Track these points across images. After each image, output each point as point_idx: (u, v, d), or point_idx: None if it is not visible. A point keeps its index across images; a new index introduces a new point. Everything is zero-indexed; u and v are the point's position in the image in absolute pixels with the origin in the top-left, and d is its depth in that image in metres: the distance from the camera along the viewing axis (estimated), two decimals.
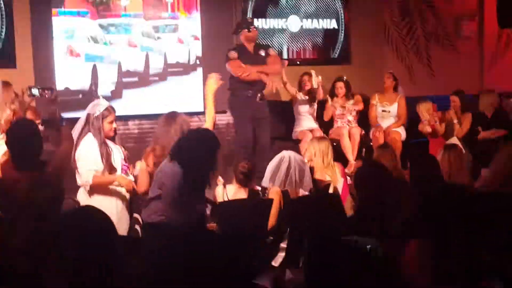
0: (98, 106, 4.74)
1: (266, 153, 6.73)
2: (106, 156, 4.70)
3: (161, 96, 8.04)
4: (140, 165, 4.94)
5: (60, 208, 3.65)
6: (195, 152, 4.12)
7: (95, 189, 4.73)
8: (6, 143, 4.19)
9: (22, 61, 7.29)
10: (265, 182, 5.24)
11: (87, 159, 4.66)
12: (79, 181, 4.72)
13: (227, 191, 5.25)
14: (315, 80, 7.74)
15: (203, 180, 4.23)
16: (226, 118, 8.32)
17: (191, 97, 8.11)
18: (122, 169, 4.82)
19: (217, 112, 7.99)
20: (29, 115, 5.87)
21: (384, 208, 3.76)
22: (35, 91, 4.71)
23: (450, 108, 7.79)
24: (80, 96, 7.56)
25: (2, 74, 6.79)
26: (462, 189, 3.97)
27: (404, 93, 8.24)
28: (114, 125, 4.83)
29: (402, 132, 7.91)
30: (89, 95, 7.43)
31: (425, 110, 7.65)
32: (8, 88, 6.57)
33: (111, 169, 4.73)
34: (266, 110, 7.12)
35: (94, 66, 7.64)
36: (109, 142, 4.79)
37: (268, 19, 8.64)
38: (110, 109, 4.79)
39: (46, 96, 4.71)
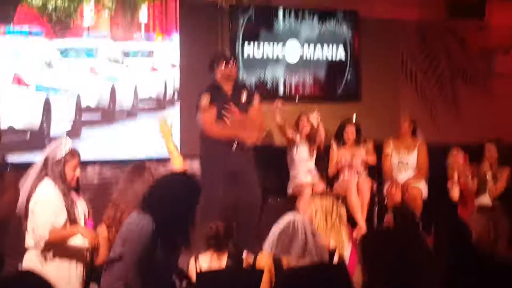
0: (60, 148, 4.75)
1: (252, 212, 6.62)
2: (69, 208, 4.69)
3: (129, 137, 7.92)
4: (101, 232, 4.91)
5: None
6: (171, 202, 4.01)
7: (49, 249, 4.68)
8: None
9: None
10: (268, 248, 5.10)
11: (45, 209, 4.62)
12: (30, 240, 4.68)
13: (199, 261, 5.15)
14: (315, 118, 7.68)
15: (180, 239, 4.10)
16: None
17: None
18: (85, 226, 4.83)
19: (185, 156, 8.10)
20: None
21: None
22: None
23: (484, 160, 7.73)
24: (28, 136, 7.36)
25: None
26: (497, 261, 3.92)
27: (425, 139, 8.18)
28: (78, 172, 4.83)
29: (423, 188, 7.86)
30: (40, 135, 7.30)
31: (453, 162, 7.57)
32: None
33: (72, 223, 4.73)
34: (249, 160, 6.94)
35: (47, 99, 7.47)
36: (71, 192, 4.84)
37: (261, 45, 8.61)
38: (74, 153, 4.81)
39: None
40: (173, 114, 7.76)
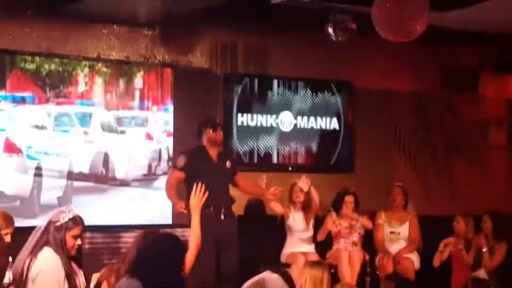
0: (63, 214, 4.67)
1: (232, 280, 6.59)
2: (71, 278, 4.60)
3: (121, 204, 7.85)
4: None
5: None
6: (158, 264, 3.94)
7: None
8: None
9: None
10: None
11: (49, 279, 4.50)
12: None
13: None
14: (304, 182, 7.64)
15: None
16: None
17: (159, 206, 7.90)
18: None
19: (177, 226, 8.02)
20: None
21: None
22: None
23: (480, 232, 7.65)
24: (18, 202, 7.27)
25: None
26: None
27: (417, 211, 8.17)
28: (79, 241, 4.74)
29: (415, 259, 7.79)
30: (30, 201, 7.23)
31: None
32: None
33: None
34: (233, 230, 6.98)
35: (38, 165, 7.41)
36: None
37: (254, 115, 8.64)
38: (77, 220, 4.71)
39: None
40: None
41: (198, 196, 4.99)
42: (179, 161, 6.89)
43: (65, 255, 4.59)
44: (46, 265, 4.53)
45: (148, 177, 8.04)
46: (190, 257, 4.68)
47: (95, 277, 4.79)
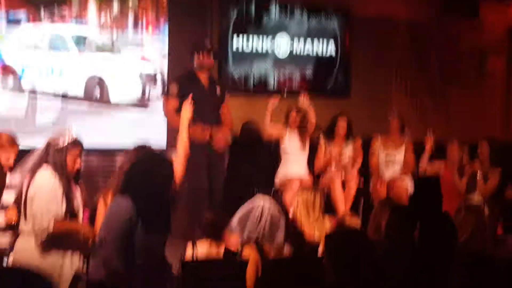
0: (64, 136, 4.69)
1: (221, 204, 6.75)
2: (69, 198, 4.64)
3: (116, 127, 7.83)
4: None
5: None
6: (149, 182, 3.98)
7: (49, 241, 4.61)
8: None
9: None
10: (231, 229, 5.11)
11: (47, 198, 4.55)
12: (26, 226, 4.61)
13: (197, 249, 5.10)
14: (304, 101, 7.62)
15: (160, 221, 4.04)
16: None
17: (154, 129, 7.85)
18: (83, 215, 4.87)
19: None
20: None
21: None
22: None
23: (476, 158, 7.72)
24: (13, 124, 7.06)
25: None
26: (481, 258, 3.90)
27: (413, 136, 8.16)
28: (79, 162, 4.80)
29: (409, 185, 7.84)
30: (25, 123, 7.20)
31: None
32: None
33: (72, 214, 4.68)
34: (221, 156, 7.09)
35: (33, 86, 7.34)
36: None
37: (250, 39, 8.55)
38: (77, 142, 4.76)
39: None
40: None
41: (188, 105, 5.22)
42: (172, 88, 6.92)
43: (65, 176, 4.63)
44: (44, 184, 4.57)
45: (143, 100, 7.96)
46: (178, 163, 4.71)
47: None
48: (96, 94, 7.68)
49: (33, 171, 4.60)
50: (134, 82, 7.89)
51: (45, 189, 4.56)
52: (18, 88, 7.27)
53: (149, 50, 8.02)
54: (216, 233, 5.08)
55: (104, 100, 7.71)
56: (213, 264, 4.85)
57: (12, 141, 5.39)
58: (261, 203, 5.19)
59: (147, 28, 8.01)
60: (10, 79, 7.20)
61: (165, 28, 8.06)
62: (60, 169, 4.60)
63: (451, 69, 9.50)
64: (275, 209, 5.25)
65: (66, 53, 7.55)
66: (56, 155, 4.63)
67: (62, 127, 4.88)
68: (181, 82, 6.95)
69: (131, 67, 7.90)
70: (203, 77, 7.01)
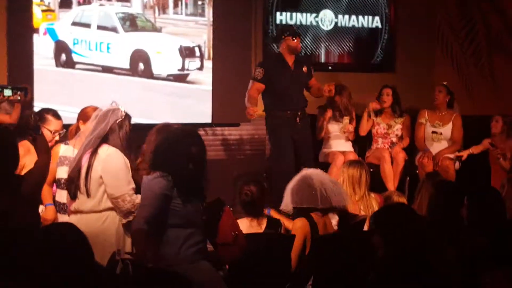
0: (119, 111, 4.66)
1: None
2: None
3: (160, 101, 7.96)
4: None
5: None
6: (177, 155, 4.07)
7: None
8: None
9: None
10: (285, 205, 5.14)
11: (124, 176, 4.54)
12: (89, 204, 4.58)
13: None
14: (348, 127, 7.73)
15: (194, 193, 4.14)
16: (237, 133, 8.26)
17: (195, 99, 8.05)
18: None
19: (228, 124, 8.18)
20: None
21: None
22: (7, 92, 4.56)
23: None
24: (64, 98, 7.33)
25: None
26: None
27: (461, 111, 8.12)
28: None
29: (456, 160, 7.81)
30: (73, 96, 7.29)
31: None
32: None
33: None
34: (308, 131, 7.31)
35: (83, 61, 7.56)
36: None
37: (294, 14, 8.58)
38: (129, 116, 4.74)
39: (19, 98, 4.59)
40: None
41: None
42: (257, 73, 7.09)
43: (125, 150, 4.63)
44: (117, 161, 4.54)
45: (182, 72, 8.08)
46: None
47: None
48: (140, 67, 7.87)
49: (95, 148, 4.57)
50: (174, 55, 8.04)
51: (120, 166, 4.53)
52: (70, 63, 7.52)
53: (189, 26, 8.13)
54: (253, 211, 5.12)
55: (147, 72, 7.89)
56: (259, 237, 4.92)
57: (57, 117, 5.46)
58: (309, 172, 5.23)
59: (186, 7, 8.13)
60: (63, 54, 7.48)
61: (205, 6, 8.14)
62: (120, 146, 4.58)
63: (498, 41, 9.35)
64: (326, 177, 5.29)
65: (113, 31, 7.77)
66: (120, 132, 4.60)
67: (112, 102, 4.76)
68: (267, 65, 7.16)
69: (172, 42, 8.05)
70: (290, 60, 7.19)
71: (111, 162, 4.53)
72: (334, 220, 5.28)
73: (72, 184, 4.62)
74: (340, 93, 7.68)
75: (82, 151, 4.62)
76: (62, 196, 5.31)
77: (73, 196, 4.65)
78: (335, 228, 5.27)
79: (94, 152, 4.55)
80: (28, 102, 4.65)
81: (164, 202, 4.04)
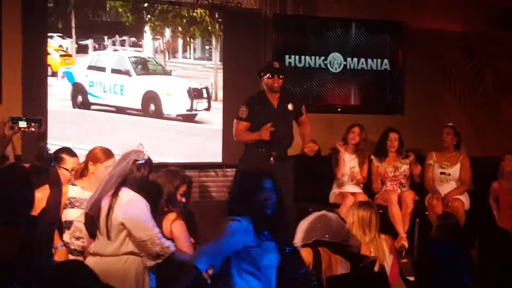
0: (140, 153, 4.66)
1: (287, 217, 6.69)
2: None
3: (170, 139, 8.17)
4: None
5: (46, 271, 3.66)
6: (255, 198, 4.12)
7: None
8: None
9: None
10: (298, 240, 5.16)
11: (140, 201, 4.54)
12: (111, 247, 4.57)
13: None
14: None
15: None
16: None
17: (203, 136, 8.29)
18: None
19: (227, 166, 8.27)
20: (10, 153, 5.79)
21: None
22: (22, 124, 4.54)
23: None
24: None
25: None
26: None
27: (468, 152, 8.17)
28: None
29: (465, 200, 7.86)
30: (91, 136, 7.53)
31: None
32: None
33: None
34: (286, 169, 6.98)
35: (98, 102, 7.87)
36: None
37: (302, 57, 8.73)
38: (150, 159, 4.73)
39: (33, 129, 4.57)
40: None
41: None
42: (242, 112, 6.91)
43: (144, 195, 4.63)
44: (138, 205, 4.54)
45: (191, 112, 8.37)
46: None
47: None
48: (151, 108, 8.16)
49: (116, 190, 4.57)
50: (183, 97, 8.33)
51: (143, 210, 4.53)
52: (86, 104, 7.89)
53: (197, 69, 8.43)
54: None
55: (158, 113, 8.19)
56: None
57: (107, 151, 5.40)
58: (322, 212, 5.25)
59: (195, 51, 8.45)
60: (79, 96, 7.85)
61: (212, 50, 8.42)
62: (141, 191, 4.58)
63: (505, 82, 9.42)
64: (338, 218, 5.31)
65: (126, 74, 8.13)
66: (138, 173, 4.60)
67: (139, 144, 4.74)
68: (250, 104, 6.95)
69: (181, 84, 8.37)
70: (273, 97, 6.98)
71: (134, 207, 4.52)
72: (345, 265, 5.25)
73: (92, 224, 4.62)
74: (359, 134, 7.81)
75: (101, 190, 4.60)
76: (68, 237, 5.27)
77: (91, 236, 4.65)
78: (340, 271, 5.26)
79: (115, 195, 4.54)
80: (42, 134, 4.62)
81: (233, 248, 4.03)
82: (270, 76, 6.88)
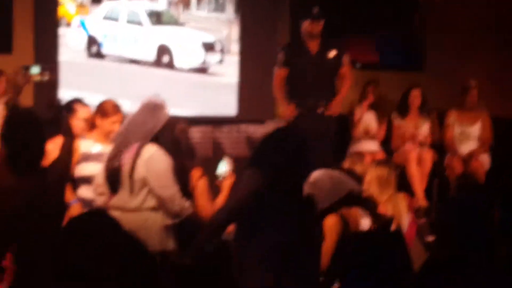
0: (166, 113, 4.57)
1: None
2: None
3: (178, 92, 8.16)
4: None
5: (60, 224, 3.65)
6: (278, 153, 4.01)
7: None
8: (2, 138, 4.22)
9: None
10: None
11: (164, 156, 4.48)
12: (134, 203, 4.51)
13: None
14: None
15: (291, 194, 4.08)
16: (262, 131, 8.31)
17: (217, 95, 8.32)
18: None
19: (252, 121, 8.27)
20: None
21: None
22: (35, 70, 4.52)
23: None
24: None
25: None
26: None
27: (489, 110, 8.08)
28: None
29: (485, 160, 7.80)
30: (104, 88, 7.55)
31: None
32: None
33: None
34: (330, 127, 6.99)
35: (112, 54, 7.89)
36: None
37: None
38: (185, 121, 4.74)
39: (46, 77, 4.56)
40: None
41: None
42: (279, 58, 6.89)
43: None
44: (156, 151, 4.46)
45: (203, 65, 8.45)
46: None
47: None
48: (164, 60, 8.23)
49: (140, 146, 4.46)
50: (197, 49, 8.40)
51: (165, 167, 4.45)
52: (100, 54, 8.00)
53: (211, 22, 8.48)
54: None
55: (171, 65, 8.27)
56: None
57: (115, 105, 5.38)
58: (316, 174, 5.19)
59: (208, 3, 8.48)
60: (94, 46, 7.94)
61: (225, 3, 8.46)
62: (169, 151, 4.50)
63: None
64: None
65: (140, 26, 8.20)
66: (165, 135, 4.53)
67: (155, 94, 4.64)
68: (287, 50, 6.92)
69: (194, 37, 8.44)
70: (312, 44, 6.89)
71: (156, 163, 4.45)
72: (366, 220, 5.25)
73: (113, 180, 4.55)
74: (373, 92, 7.74)
75: (122, 145, 4.52)
76: (88, 192, 5.22)
77: (113, 190, 4.58)
78: (364, 227, 5.25)
79: (139, 150, 4.45)
80: (53, 82, 4.59)
81: (253, 199, 3.95)
82: (310, 21, 6.80)
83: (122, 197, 4.52)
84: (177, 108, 7.59)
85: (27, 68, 4.51)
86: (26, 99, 6.30)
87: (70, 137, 4.50)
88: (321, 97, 6.84)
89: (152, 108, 4.55)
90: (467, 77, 8.19)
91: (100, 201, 4.76)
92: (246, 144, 8.38)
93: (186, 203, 4.49)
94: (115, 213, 4.42)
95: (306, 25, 6.84)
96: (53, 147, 4.56)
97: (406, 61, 9.01)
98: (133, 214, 4.45)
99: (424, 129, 7.89)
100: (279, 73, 6.89)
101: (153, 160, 4.43)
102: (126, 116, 4.95)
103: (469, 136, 7.92)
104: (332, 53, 6.91)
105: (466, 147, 7.86)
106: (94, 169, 5.07)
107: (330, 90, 6.95)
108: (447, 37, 8.97)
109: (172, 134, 4.54)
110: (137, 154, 4.43)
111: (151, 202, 4.49)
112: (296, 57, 6.83)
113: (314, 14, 6.84)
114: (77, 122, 5.28)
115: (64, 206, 4.57)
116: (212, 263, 3.84)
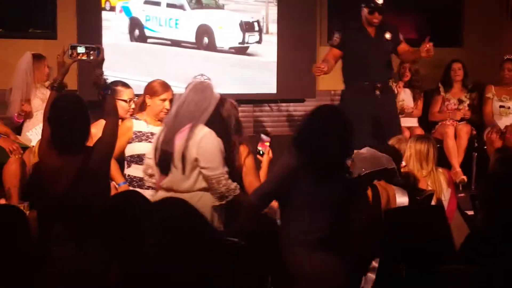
0: (214, 97, 4.55)
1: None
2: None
3: (219, 72, 8.19)
4: None
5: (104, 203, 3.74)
6: (319, 134, 3.98)
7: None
8: (48, 120, 4.36)
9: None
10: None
11: (221, 158, 4.51)
12: (187, 183, 4.52)
13: None
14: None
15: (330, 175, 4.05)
16: (303, 109, 8.41)
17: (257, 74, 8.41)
18: None
19: (293, 100, 8.36)
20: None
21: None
22: (81, 49, 4.55)
23: None
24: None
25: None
26: None
27: None
28: None
29: None
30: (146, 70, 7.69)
31: None
32: (40, 63, 6.82)
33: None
34: (393, 107, 7.04)
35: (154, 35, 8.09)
36: None
37: None
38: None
39: (92, 57, 4.60)
40: None
41: None
42: (334, 38, 6.86)
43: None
44: (208, 132, 4.48)
45: (243, 45, 8.51)
46: None
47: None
48: (205, 41, 8.36)
49: (192, 126, 4.45)
50: (236, 30, 8.48)
51: (214, 147, 4.47)
52: (142, 37, 8.14)
53: (249, 3, 8.55)
54: None
55: (211, 46, 8.37)
56: None
57: (164, 84, 5.42)
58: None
59: None
60: (136, 30, 8.12)
61: None
62: (221, 123, 4.55)
63: None
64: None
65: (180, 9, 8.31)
66: (218, 114, 4.54)
67: (201, 75, 4.62)
68: (345, 31, 6.88)
69: (233, 17, 8.52)
70: (370, 28, 6.89)
71: (207, 143, 4.44)
72: (403, 198, 5.28)
73: (164, 160, 4.54)
74: (409, 69, 7.82)
75: (174, 125, 4.52)
76: (137, 171, 5.27)
77: (163, 172, 4.57)
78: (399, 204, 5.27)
79: (192, 131, 4.45)
80: (100, 62, 4.64)
81: (289, 179, 3.97)
82: (370, 12, 6.80)
83: (174, 178, 4.51)
84: (218, 88, 7.75)
85: (74, 47, 4.55)
86: (70, 82, 6.50)
87: (115, 115, 4.56)
88: (380, 79, 6.85)
89: (202, 89, 4.55)
90: (504, 53, 8.21)
91: (150, 182, 4.81)
92: (287, 122, 8.50)
93: (232, 185, 4.49)
94: (165, 194, 4.50)
95: (365, 13, 6.82)
96: (96, 131, 4.66)
97: (444, 37, 8.96)
98: (185, 195, 4.36)
99: (466, 105, 7.95)
100: (332, 52, 6.86)
101: (205, 141, 4.43)
102: (174, 96, 4.99)
103: (508, 110, 7.93)
104: (388, 35, 6.91)
105: (505, 121, 7.87)
106: (144, 148, 5.13)
107: (388, 71, 6.99)
108: (486, 13, 8.94)
109: (222, 112, 4.55)
110: (190, 135, 4.44)
111: (202, 183, 4.50)
112: (354, 40, 6.79)
113: (379, 6, 6.80)
114: (121, 102, 5.38)
115: (108, 186, 4.62)
116: (257, 241, 3.93)
